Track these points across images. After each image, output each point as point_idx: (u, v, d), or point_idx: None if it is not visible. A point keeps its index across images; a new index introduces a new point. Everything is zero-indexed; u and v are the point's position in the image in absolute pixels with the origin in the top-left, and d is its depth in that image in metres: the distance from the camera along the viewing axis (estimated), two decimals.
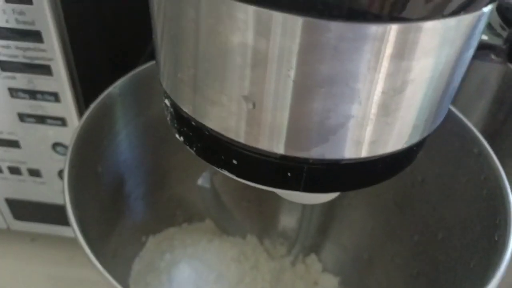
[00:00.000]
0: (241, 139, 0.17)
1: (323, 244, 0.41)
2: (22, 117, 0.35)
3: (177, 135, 0.21)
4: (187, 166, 0.37)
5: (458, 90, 0.19)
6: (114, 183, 0.31)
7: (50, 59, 0.31)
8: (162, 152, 0.35)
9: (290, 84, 0.14)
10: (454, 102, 0.39)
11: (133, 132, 0.31)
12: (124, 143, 0.31)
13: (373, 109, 0.15)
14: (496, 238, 0.24)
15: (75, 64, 0.32)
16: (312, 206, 0.38)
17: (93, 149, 0.28)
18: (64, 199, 0.22)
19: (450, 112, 0.30)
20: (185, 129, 0.20)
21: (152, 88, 0.32)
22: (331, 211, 0.40)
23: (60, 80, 0.32)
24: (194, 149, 0.20)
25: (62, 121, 0.34)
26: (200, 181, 0.33)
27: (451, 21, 0.14)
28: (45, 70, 0.32)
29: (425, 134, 0.18)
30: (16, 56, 0.31)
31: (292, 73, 0.14)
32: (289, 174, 0.18)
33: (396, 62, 0.14)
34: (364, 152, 0.17)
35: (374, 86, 0.14)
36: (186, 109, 0.18)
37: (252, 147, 0.17)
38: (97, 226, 0.29)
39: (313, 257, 0.40)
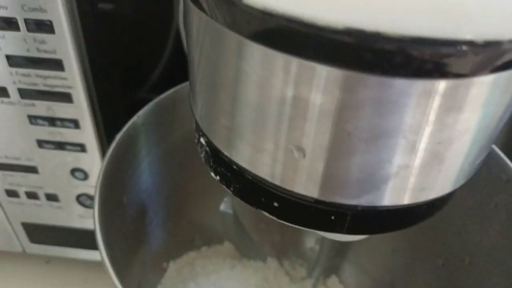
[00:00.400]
0: (287, 186, 0.17)
1: (343, 266, 0.40)
2: (40, 143, 0.34)
3: (212, 174, 0.20)
4: (205, 190, 0.37)
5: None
6: (137, 212, 0.31)
7: (70, 87, 0.31)
8: (181, 177, 0.35)
9: (346, 137, 0.14)
10: None
11: (155, 160, 0.31)
12: (146, 172, 0.31)
13: (427, 159, 0.15)
14: None
15: (95, 91, 0.32)
16: None
17: (118, 180, 0.27)
18: (96, 235, 0.22)
19: None
20: (222, 169, 0.19)
21: (172, 116, 0.32)
22: None
23: (80, 107, 0.32)
24: (232, 189, 0.20)
25: (81, 147, 0.34)
26: (222, 207, 0.33)
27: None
28: (65, 97, 0.31)
29: (470, 177, 0.18)
30: (36, 84, 0.31)
31: (349, 127, 0.14)
32: (333, 217, 0.18)
33: (450, 115, 0.14)
34: (411, 199, 0.16)
35: (429, 138, 0.14)
36: (227, 153, 0.18)
37: (299, 194, 0.17)
38: (122, 256, 0.28)
39: (334, 279, 0.39)
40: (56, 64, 0.30)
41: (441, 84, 0.13)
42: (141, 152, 0.30)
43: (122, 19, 0.37)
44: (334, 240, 0.39)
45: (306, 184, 0.16)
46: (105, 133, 0.35)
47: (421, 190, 0.16)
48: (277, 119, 0.15)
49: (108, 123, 0.34)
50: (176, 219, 0.36)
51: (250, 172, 0.17)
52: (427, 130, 0.14)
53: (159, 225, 0.34)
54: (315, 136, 0.14)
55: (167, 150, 0.33)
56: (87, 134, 0.33)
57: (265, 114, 0.15)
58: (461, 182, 0.17)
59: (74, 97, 0.32)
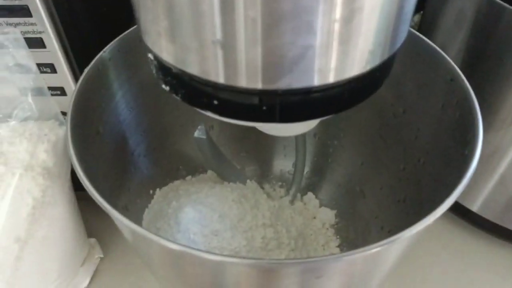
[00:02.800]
0: (220, 79, 0.19)
1: (319, 183, 0.43)
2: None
3: (163, 86, 0.23)
4: (184, 122, 0.39)
5: (414, 13, 0.21)
6: (117, 142, 0.34)
7: (41, 32, 0.33)
8: (158, 110, 0.38)
9: (250, 23, 0.16)
10: (432, 36, 0.41)
11: (129, 94, 0.33)
12: (122, 104, 0.33)
13: (328, 39, 0.17)
14: (466, 153, 0.27)
15: (65, 34, 0.34)
16: (305, 149, 0.41)
17: (92, 111, 0.30)
18: (70, 155, 0.25)
19: (422, 42, 0.32)
20: (169, 78, 0.22)
21: (141, 51, 0.34)
22: (324, 152, 0.43)
23: (53, 51, 0.34)
24: (180, 95, 0.22)
25: (60, 91, 0.37)
26: (196, 133, 0.36)
27: None
28: (38, 43, 0.34)
29: (384, 58, 0.20)
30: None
31: (251, 13, 0.16)
32: (264, 108, 0.20)
33: None
34: (326, 79, 0.19)
35: (324, 17, 0.16)
36: (167, 58, 0.20)
37: (228, 86, 0.19)
38: (106, 183, 0.31)
39: (310, 195, 0.42)
40: (24, 10, 0.32)
41: None
42: (113, 86, 0.32)
43: None
44: (308, 160, 0.42)
45: (229, 74, 0.18)
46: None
47: (332, 71, 0.18)
48: (192, 15, 0.17)
49: (84, 65, 0.37)
50: (159, 150, 0.39)
51: (187, 73, 0.20)
52: (320, 10, 0.16)
53: (142, 156, 0.37)
54: (226, 26, 0.17)
55: (141, 85, 0.35)
56: (64, 77, 0.36)
57: (181, 11, 0.17)
58: (375, 62, 0.20)
59: (46, 42, 0.34)
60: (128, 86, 0.33)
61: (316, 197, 0.42)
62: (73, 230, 0.41)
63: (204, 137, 0.35)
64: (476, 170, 0.25)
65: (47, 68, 0.35)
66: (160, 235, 0.32)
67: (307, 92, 0.19)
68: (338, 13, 0.16)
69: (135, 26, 0.34)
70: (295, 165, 0.41)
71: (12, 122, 0.38)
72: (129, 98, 0.33)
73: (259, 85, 0.19)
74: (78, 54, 0.36)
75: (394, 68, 0.23)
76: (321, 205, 0.42)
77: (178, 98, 0.22)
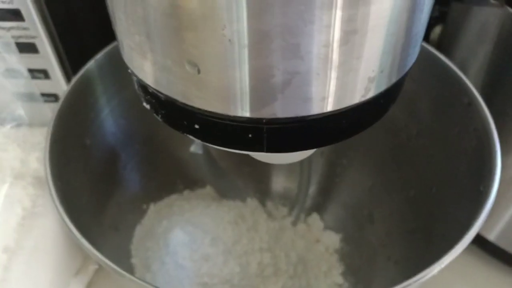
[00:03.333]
0: (195, 104, 0.17)
1: (324, 204, 0.41)
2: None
3: (144, 104, 0.21)
4: (181, 134, 0.37)
5: (425, 34, 0.18)
6: (106, 155, 0.32)
7: (34, 37, 0.32)
8: (154, 120, 0.36)
9: (228, 44, 0.14)
10: (453, 50, 0.38)
11: (120, 105, 0.32)
12: (112, 116, 0.32)
13: (317, 64, 0.15)
14: (481, 189, 0.24)
15: (59, 39, 0.33)
16: (310, 167, 0.38)
17: (78, 122, 0.28)
18: (45, 171, 0.23)
19: (439, 61, 0.29)
20: (148, 96, 0.20)
21: None
22: (331, 171, 0.40)
23: (47, 56, 0.32)
24: (160, 116, 0.20)
25: (55, 97, 0.35)
26: (192, 148, 0.34)
27: None
28: (30, 48, 0.32)
29: (390, 84, 0.18)
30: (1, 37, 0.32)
31: (227, 32, 0.14)
32: (250, 135, 0.18)
33: (334, 12, 0.14)
34: (318, 108, 0.16)
35: (311, 40, 0.14)
36: (141, 76, 0.18)
37: (207, 111, 0.17)
38: (91, 197, 0.29)
39: (314, 216, 0.40)
40: (16, 15, 0.30)
41: None
42: (103, 97, 0.30)
43: None
44: (313, 178, 0.39)
45: (210, 100, 0.16)
46: None
47: (323, 100, 0.16)
48: (164, 31, 0.15)
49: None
50: (154, 163, 0.37)
51: (162, 93, 0.18)
52: (306, 31, 0.14)
53: (134, 169, 0.35)
54: (201, 47, 0.14)
55: (135, 92, 0.33)
56: (58, 83, 0.34)
57: (153, 28, 0.15)
58: (378, 89, 0.17)
59: (39, 47, 0.32)
60: (120, 97, 0.31)
61: (321, 218, 0.40)
62: (65, 240, 0.40)
63: (200, 152, 0.33)
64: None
65: (41, 74, 0.34)
66: (145, 261, 0.30)
67: (296, 121, 0.17)
68: (330, 35, 0.14)
69: None
70: (299, 183, 0.39)
71: (5, 128, 0.36)
72: (120, 110, 0.32)
73: (242, 113, 0.16)
74: (73, 59, 0.34)
75: (406, 84, 0.20)
76: (325, 228, 0.39)
77: (158, 118, 0.20)
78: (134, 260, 0.32)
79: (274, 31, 0.14)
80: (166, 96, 0.18)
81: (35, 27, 0.31)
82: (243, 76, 0.15)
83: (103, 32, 0.39)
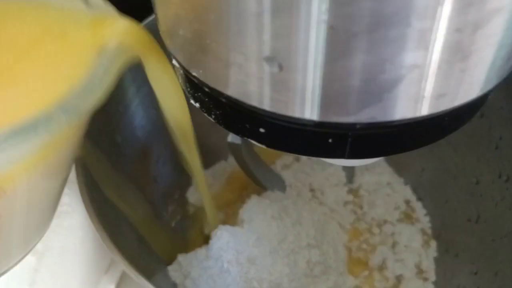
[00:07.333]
0: (267, 107, 0.13)
1: None
2: None
3: (192, 101, 0.18)
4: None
5: None
6: (137, 151, 0.29)
7: None
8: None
9: (329, 32, 0.10)
10: None
11: (148, 96, 0.28)
12: (142, 107, 0.28)
13: (443, 54, 0.11)
14: None
15: None
16: None
17: (108, 118, 0.25)
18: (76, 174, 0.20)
19: None
20: (199, 94, 0.16)
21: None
22: None
23: None
24: (213, 117, 0.17)
25: None
26: (230, 138, 0.30)
27: None
28: None
29: (504, 75, 0.14)
30: None
31: (330, 18, 0.10)
32: (330, 140, 0.14)
33: None
34: (427, 109, 0.13)
35: (445, 23, 0.10)
36: (195, 73, 0.15)
37: (282, 115, 0.13)
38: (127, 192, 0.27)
39: None
40: None
41: None
42: (130, 89, 0.27)
43: None
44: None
45: (289, 103, 0.13)
46: None
47: (439, 97, 0.12)
48: (238, 19, 0.11)
49: None
50: None
51: (224, 94, 0.14)
52: (442, 12, 0.10)
53: (167, 162, 0.32)
54: (286, 38, 0.11)
55: None
56: None
57: (222, 14, 0.11)
58: (492, 83, 0.14)
59: None
60: (148, 87, 0.28)
61: None
62: (94, 238, 0.38)
63: (239, 142, 0.30)
64: None
65: None
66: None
67: (396, 126, 0.13)
68: (468, 16, 0.10)
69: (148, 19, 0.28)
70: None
71: None
72: (148, 101, 0.28)
73: (326, 117, 0.13)
74: None
75: None
76: None
77: (211, 119, 0.17)
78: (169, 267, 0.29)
79: (396, 14, 0.10)
80: (228, 96, 0.14)
81: None
82: (342, 74, 0.11)
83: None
